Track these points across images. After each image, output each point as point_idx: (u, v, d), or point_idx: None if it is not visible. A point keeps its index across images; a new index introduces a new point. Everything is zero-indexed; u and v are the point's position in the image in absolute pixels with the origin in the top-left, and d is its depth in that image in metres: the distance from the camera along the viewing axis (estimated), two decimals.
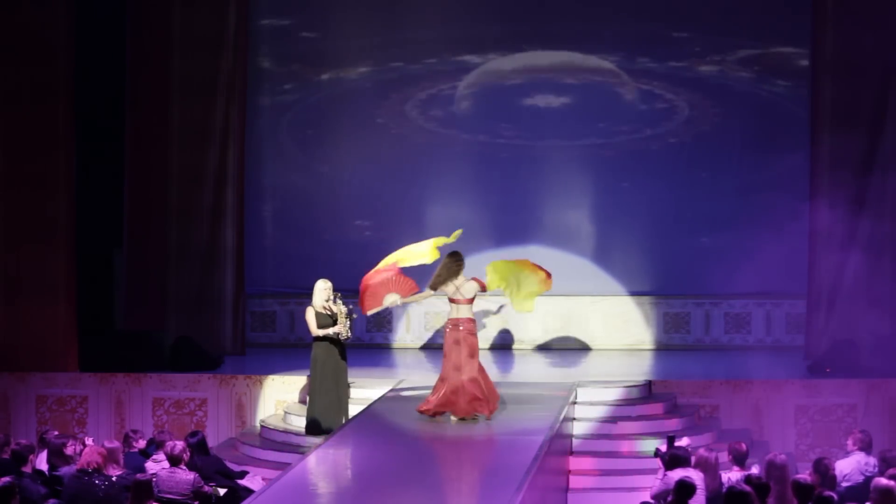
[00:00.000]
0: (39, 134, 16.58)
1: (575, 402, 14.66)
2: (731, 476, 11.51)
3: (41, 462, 12.54)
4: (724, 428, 15.12)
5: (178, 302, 18.43)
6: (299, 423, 14.75)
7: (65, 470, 11.90)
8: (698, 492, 10.80)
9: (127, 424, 15.94)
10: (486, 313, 18.42)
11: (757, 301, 18.98)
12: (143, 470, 12.10)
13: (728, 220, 18.73)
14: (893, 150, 17.27)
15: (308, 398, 14.55)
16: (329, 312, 14.26)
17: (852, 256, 17.11)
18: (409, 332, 19.48)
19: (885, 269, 17.08)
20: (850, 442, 12.69)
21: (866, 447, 12.54)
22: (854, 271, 17.14)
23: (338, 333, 14.25)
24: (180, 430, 15.45)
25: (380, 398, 14.81)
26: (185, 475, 11.77)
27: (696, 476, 11.05)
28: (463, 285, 13.66)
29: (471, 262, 14.42)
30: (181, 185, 18.49)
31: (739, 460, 11.98)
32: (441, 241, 14.24)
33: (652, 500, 11.55)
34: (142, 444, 13.44)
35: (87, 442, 12.57)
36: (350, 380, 14.60)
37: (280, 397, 16.12)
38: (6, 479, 10.56)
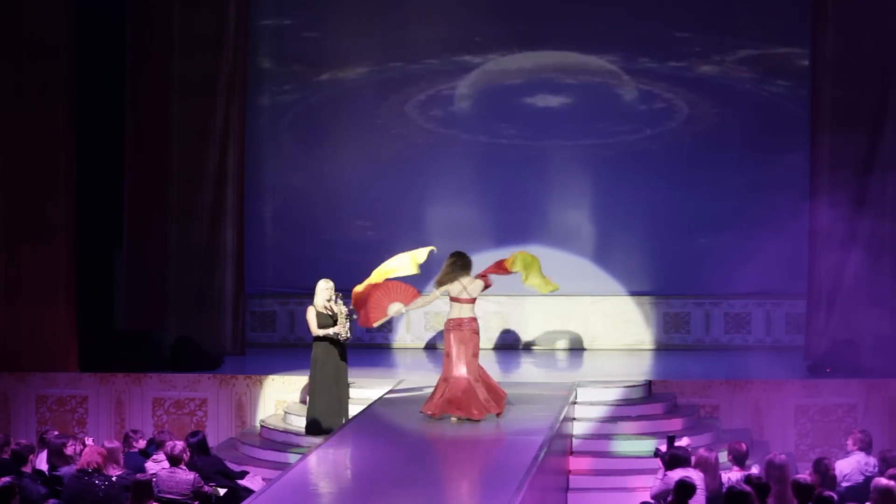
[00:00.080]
0: (39, 134, 16.58)
1: (575, 402, 14.65)
2: (731, 476, 11.51)
3: (41, 462, 12.54)
4: (724, 428, 15.12)
5: (178, 302, 18.43)
6: (299, 423, 14.75)
7: (65, 470, 11.90)
8: (698, 492, 10.80)
9: (127, 424, 15.94)
10: (487, 313, 18.39)
11: (757, 301, 18.99)
12: (143, 470, 12.10)
13: (728, 220, 18.74)
14: (893, 149, 17.27)
15: (308, 398, 14.55)
16: (330, 313, 14.26)
17: (852, 256, 17.11)
18: (409, 332, 19.48)
19: (886, 268, 17.08)
20: (850, 442, 12.69)
21: (866, 447, 12.54)
22: (854, 271, 17.15)
23: (337, 334, 14.25)
24: (180, 430, 15.45)
25: (380, 398, 14.80)
26: (185, 475, 11.77)
27: (696, 476, 11.05)
28: (470, 284, 13.61)
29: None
30: (181, 185, 18.49)
31: (739, 460, 11.99)
32: (420, 253, 14.13)
33: (652, 500, 11.55)
34: (142, 444, 13.44)
35: (87, 442, 12.57)
36: (350, 380, 14.60)
37: (280, 397, 16.12)
38: (6, 479, 10.56)
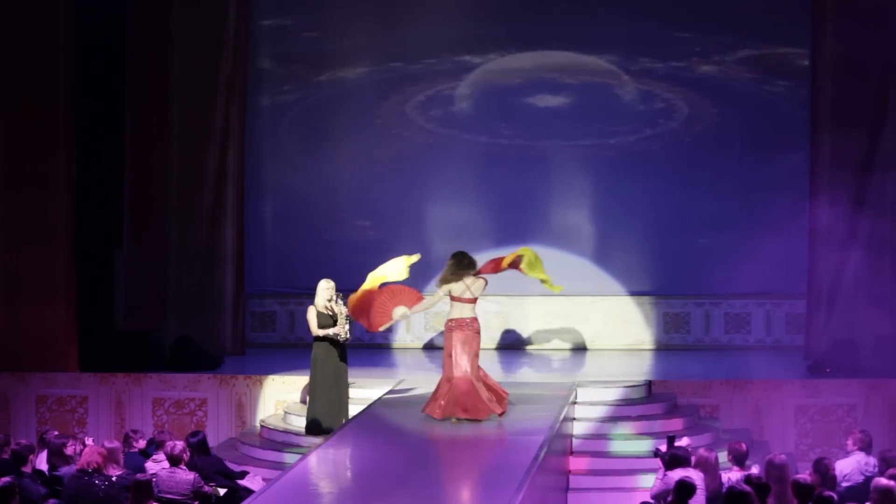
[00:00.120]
0: (39, 134, 16.58)
1: (575, 402, 14.65)
2: (731, 476, 11.51)
3: (41, 462, 12.54)
4: (724, 428, 15.12)
5: (178, 302, 18.43)
6: (299, 423, 14.75)
7: (65, 470, 11.90)
8: (698, 492, 10.80)
9: (127, 424, 15.94)
10: (487, 313, 18.38)
11: (757, 301, 18.99)
12: (143, 470, 12.10)
13: (728, 220, 18.74)
14: (893, 149, 17.28)
15: (308, 398, 14.55)
16: (330, 313, 14.26)
17: (852, 256, 17.11)
18: (409, 332, 19.49)
19: (886, 268, 17.08)
20: (850, 442, 12.69)
21: (866, 447, 12.54)
22: (854, 271, 17.15)
23: (337, 334, 14.24)
24: (180, 430, 15.45)
25: (380, 398, 14.80)
26: (185, 475, 11.77)
27: (696, 476, 11.05)
28: (473, 284, 13.59)
29: None
30: (181, 185, 18.49)
31: (739, 460, 11.98)
32: (410, 260, 14.11)
33: (652, 500, 11.55)
34: (142, 444, 13.44)
35: (87, 442, 12.56)
36: (350, 380, 14.59)
37: (280, 397, 16.12)
38: (6, 479, 10.55)
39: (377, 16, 19.47)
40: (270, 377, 16.29)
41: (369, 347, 18.88)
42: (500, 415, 13.57)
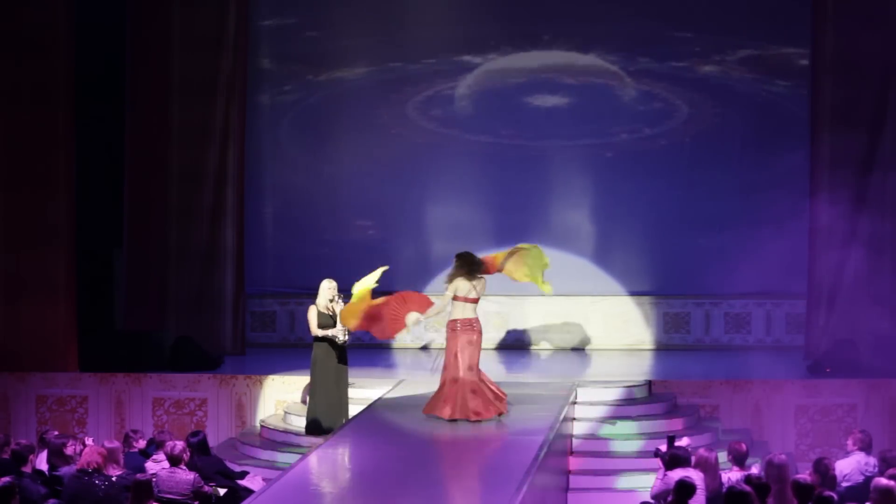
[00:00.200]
0: (39, 134, 16.58)
1: (575, 402, 14.65)
2: (731, 476, 11.51)
3: (41, 462, 12.53)
4: (724, 428, 15.12)
5: (178, 302, 18.43)
6: (299, 423, 14.75)
7: (65, 470, 11.90)
8: (698, 492, 10.80)
9: (127, 424, 15.94)
10: (487, 313, 18.38)
11: (757, 301, 18.99)
12: (143, 470, 12.10)
13: (728, 219, 18.74)
14: (893, 149, 17.28)
15: (308, 398, 14.55)
16: (331, 313, 14.26)
17: (853, 255, 17.11)
18: (409, 332, 19.45)
19: (886, 268, 17.09)
20: (850, 442, 12.69)
21: (866, 447, 12.54)
22: (854, 270, 17.16)
23: (336, 336, 14.22)
24: (180, 430, 15.45)
25: (380, 398, 14.80)
26: (185, 475, 11.77)
27: (696, 476, 11.05)
28: (478, 284, 13.61)
29: None
30: (181, 184, 18.49)
31: (739, 460, 11.98)
32: (379, 272, 14.08)
33: (652, 500, 11.55)
34: (142, 444, 13.44)
35: (87, 442, 12.56)
36: (350, 380, 14.59)
37: (280, 397, 16.12)
38: (6, 479, 10.55)
39: (377, 16, 19.48)
40: (270, 377, 16.29)
41: (369, 347, 18.86)
42: (501, 415, 13.58)
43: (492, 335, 18.94)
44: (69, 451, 12.24)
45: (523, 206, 19.26)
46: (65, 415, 16.40)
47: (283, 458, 14.18)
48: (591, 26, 19.21)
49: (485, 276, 13.63)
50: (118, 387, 16.41)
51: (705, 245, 18.90)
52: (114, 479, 11.29)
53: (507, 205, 19.29)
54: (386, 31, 19.48)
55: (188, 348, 17.26)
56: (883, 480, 10.23)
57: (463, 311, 13.53)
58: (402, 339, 19.39)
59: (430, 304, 13.87)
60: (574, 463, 13.86)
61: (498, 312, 19.03)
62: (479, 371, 13.61)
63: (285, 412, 15.51)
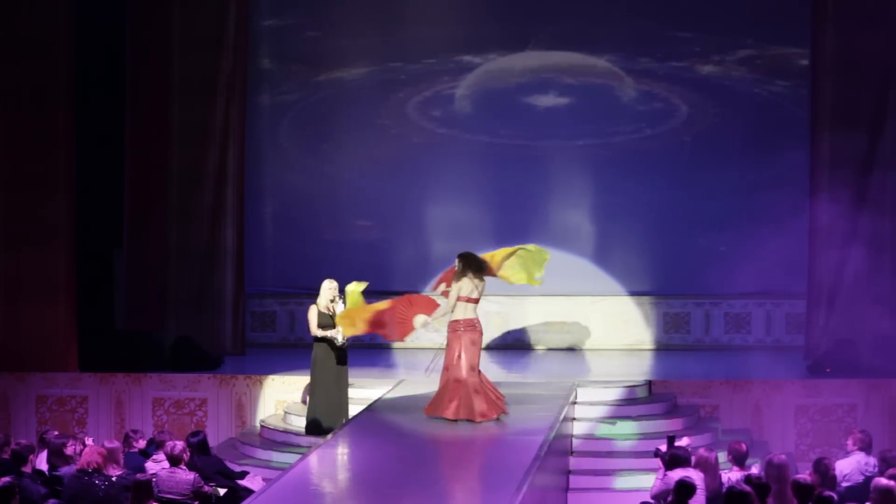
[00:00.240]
0: (39, 134, 16.58)
1: (575, 402, 14.66)
2: (731, 476, 11.51)
3: (41, 462, 12.53)
4: (724, 428, 15.12)
5: (178, 302, 18.43)
6: (299, 423, 14.75)
7: (65, 470, 11.90)
8: (698, 492, 10.80)
9: (127, 424, 15.94)
10: (487, 313, 18.38)
11: (757, 301, 18.99)
12: (143, 470, 12.10)
13: (728, 219, 18.74)
14: (893, 148, 17.28)
15: (308, 398, 14.55)
16: (331, 313, 14.25)
17: (853, 255, 17.11)
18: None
19: (886, 268, 17.09)
20: (850, 442, 12.69)
21: (866, 447, 12.54)
22: (854, 270, 17.15)
23: (334, 337, 14.21)
24: (180, 430, 15.45)
25: (380, 398, 14.80)
26: (185, 475, 11.77)
27: (696, 476, 11.05)
28: (480, 284, 13.62)
29: None
30: (181, 185, 18.49)
31: (739, 460, 11.98)
32: (360, 286, 14.08)
33: (652, 500, 11.55)
34: (142, 444, 13.44)
35: (87, 442, 12.56)
36: (350, 380, 14.59)
37: (280, 397, 16.12)
38: (6, 479, 10.55)
39: (377, 16, 19.48)
40: (270, 377, 16.29)
41: (369, 347, 18.85)
42: (499, 417, 13.59)
43: (492, 335, 18.94)
44: (69, 451, 12.25)
45: (523, 206, 19.26)
46: (65, 415, 16.41)
47: (283, 458, 14.18)
48: (591, 26, 19.21)
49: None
50: (118, 387, 16.41)
51: (705, 245, 18.89)
52: (114, 479, 11.29)
53: (507, 205, 19.29)
54: (386, 31, 19.48)
55: (188, 348, 17.26)
56: (883, 480, 10.23)
57: (465, 312, 13.53)
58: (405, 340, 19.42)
59: (436, 305, 13.84)
60: (574, 463, 13.86)
61: (498, 312, 19.03)
62: (479, 372, 13.62)
63: (285, 412, 15.52)
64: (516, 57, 19.39)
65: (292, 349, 18.90)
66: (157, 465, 12.37)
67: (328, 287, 14.32)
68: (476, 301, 13.57)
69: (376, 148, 19.54)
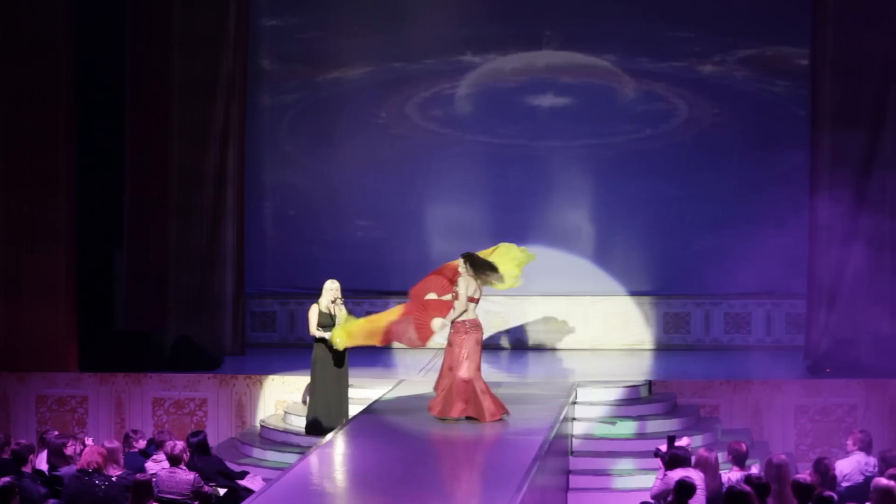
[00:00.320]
0: (39, 133, 16.59)
1: (575, 402, 14.66)
2: (731, 476, 11.51)
3: (41, 462, 12.53)
4: (724, 428, 15.12)
5: (178, 302, 18.43)
6: (299, 423, 14.75)
7: (65, 470, 11.90)
8: (698, 492, 10.80)
9: (127, 424, 15.94)
10: (487, 313, 18.38)
11: (757, 301, 18.98)
12: (143, 470, 12.09)
13: (728, 219, 18.73)
14: (894, 148, 17.28)
15: (308, 398, 14.55)
16: (331, 314, 14.25)
17: (853, 255, 17.10)
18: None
19: (886, 268, 17.08)
20: (850, 442, 12.69)
21: (866, 447, 12.54)
22: (855, 270, 17.15)
23: (333, 341, 14.18)
24: (180, 430, 15.45)
25: (380, 398, 14.80)
26: (185, 475, 11.77)
27: (696, 476, 11.05)
28: (482, 285, 13.67)
29: None
30: (181, 184, 18.50)
31: (739, 460, 11.98)
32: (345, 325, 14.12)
33: (652, 500, 11.55)
34: (142, 444, 13.44)
35: (87, 442, 12.56)
36: (350, 380, 14.58)
37: (280, 397, 16.12)
38: (6, 479, 10.55)
39: (377, 16, 19.48)
40: (270, 377, 16.29)
41: (369, 347, 18.84)
42: (503, 416, 13.62)
43: (492, 335, 18.94)
44: (69, 451, 12.25)
45: (523, 206, 19.26)
46: (65, 415, 16.41)
47: (283, 458, 14.18)
48: (591, 26, 19.21)
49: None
50: (118, 387, 16.41)
51: (705, 245, 18.88)
52: (114, 479, 11.29)
53: (507, 205, 19.29)
54: (386, 31, 19.48)
55: (188, 348, 17.26)
56: (883, 480, 10.23)
57: (472, 312, 13.58)
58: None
59: (449, 306, 13.76)
60: (574, 463, 13.86)
61: (498, 312, 19.02)
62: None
63: (285, 412, 15.51)
64: (516, 57, 19.39)
65: (292, 349, 18.90)
66: (157, 465, 12.37)
67: (329, 287, 14.30)
68: (477, 301, 13.60)
69: (376, 148, 19.54)
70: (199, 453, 12.64)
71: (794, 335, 18.62)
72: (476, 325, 13.58)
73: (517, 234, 18.82)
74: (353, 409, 14.33)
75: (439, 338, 14.02)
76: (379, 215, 19.60)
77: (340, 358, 14.30)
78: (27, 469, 11.85)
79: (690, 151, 19.18)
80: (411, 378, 15.80)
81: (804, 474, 11.18)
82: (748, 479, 10.68)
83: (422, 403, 13.96)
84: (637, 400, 15.05)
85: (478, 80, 19.47)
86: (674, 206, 19.06)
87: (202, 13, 18.47)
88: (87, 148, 17.43)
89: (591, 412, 14.61)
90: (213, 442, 14.72)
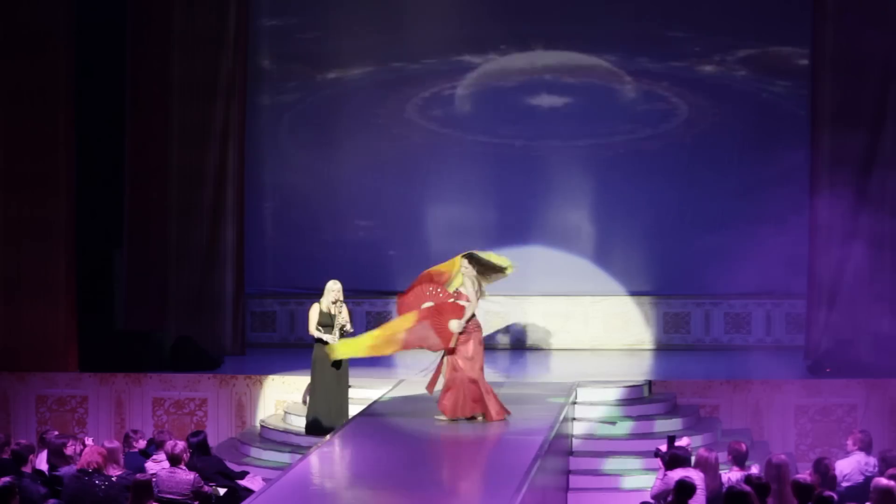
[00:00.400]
0: (39, 133, 16.59)
1: (575, 402, 14.65)
2: (731, 476, 11.51)
3: (41, 462, 12.53)
4: (724, 428, 15.12)
5: (178, 302, 18.43)
6: (299, 423, 14.75)
7: (65, 470, 11.90)
8: (698, 492, 10.79)
9: (127, 424, 15.94)
10: (487, 313, 18.38)
11: (757, 301, 18.98)
12: (143, 470, 12.09)
13: (728, 219, 18.72)
14: (894, 148, 17.27)
15: (308, 398, 14.54)
16: (332, 314, 14.24)
17: (853, 255, 17.10)
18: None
19: (886, 268, 17.08)
20: (850, 442, 12.69)
21: (866, 447, 12.54)
22: (855, 270, 17.14)
23: (328, 341, 14.17)
24: (180, 430, 15.45)
25: (380, 398, 14.80)
26: (185, 475, 11.77)
27: (696, 476, 11.05)
28: (482, 285, 13.70)
29: None
30: (181, 184, 18.50)
31: (739, 460, 11.98)
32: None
33: (652, 500, 11.55)
34: (142, 444, 13.44)
35: (87, 442, 12.56)
36: (350, 380, 14.58)
37: (280, 397, 16.12)
38: (6, 479, 10.55)
39: (377, 16, 19.47)
40: (270, 377, 16.29)
41: None
42: (505, 416, 13.65)
43: (492, 335, 18.94)
44: (69, 451, 12.24)
45: (523, 206, 19.26)
46: (65, 415, 16.41)
47: (283, 458, 14.18)
48: (591, 26, 19.20)
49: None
50: (118, 387, 16.41)
51: (705, 245, 18.87)
52: (114, 479, 11.29)
53: (507, 205, 19.29)
54: (386, 31, 19.48)
55: (188, 348, 17.26)
56: (883, 480, 10.23)
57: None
58: None
59: (461, 308, 13.73)
60: (574, 463, 13.86)
61: (498, 312, 19.02)
62: None
63: (285, 412, 15.51)
64: (516, 57, 19.38)
65: (292, 349, 18.89)
66: (157, 465, 12.37)
67: (330, 288, 14.30)
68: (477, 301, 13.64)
69: (376, 148, 19.54)
70: (199, 453, 12.64)
71: (794, 335, 18.61)
72: (478, 326, 13.64)
73: (517, 234, 18.89)
74: (353, 409, 14.32)
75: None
76: (379, 215, 19.60)
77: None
78: (27, 469, 11.85)
79: (690, 151, 19.18)
80: (411, 378, 15.78)
81: (804, 474, 11.18)
82: (748, 479, 10.68)
83: (422, 404, 13.96)
84: (637, 400, 15.05)
85: (478, 80, 19.47)
86: (674, 206, 19.06)
87: (202, 13, 18.47)
88: (87, 148, 17.43)
89: (591, 412, 14.61)
90: (213, 442, 14.72)
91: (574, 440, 14.20)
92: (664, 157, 19.17)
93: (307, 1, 19.75)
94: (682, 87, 19.19)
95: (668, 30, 19.11)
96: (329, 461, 12.39)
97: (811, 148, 17.63)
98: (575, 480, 13.65)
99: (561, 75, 19.32)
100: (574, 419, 14.42)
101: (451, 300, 13.67)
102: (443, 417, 13.53)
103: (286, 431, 14.92)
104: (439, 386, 13.81)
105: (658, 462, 11.81)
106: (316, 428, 14.16)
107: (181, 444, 12.04)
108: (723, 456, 12.29)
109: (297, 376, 15.92)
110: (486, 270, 13.66)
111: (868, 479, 11.56)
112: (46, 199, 16.61)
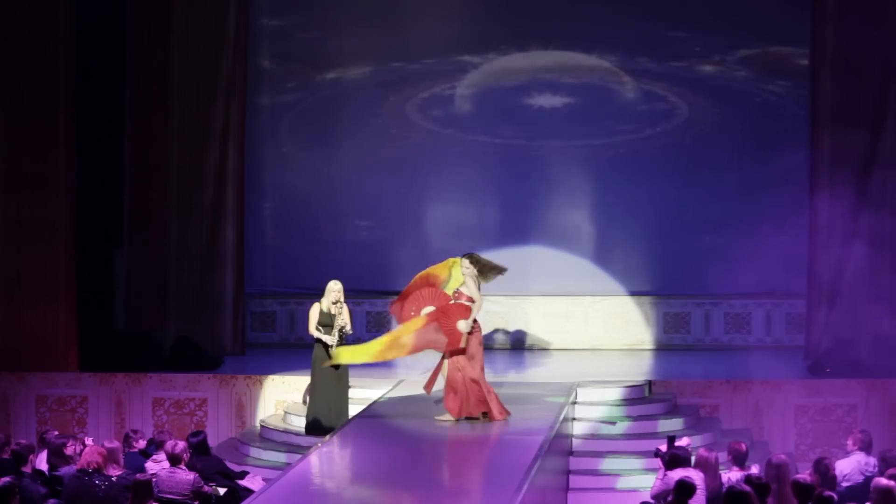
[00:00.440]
0: (39, 134, 16.59)
1: (575, 402, 14.65)
2: (731, 476, 11.51)
3: (41, 462, 12.53)
4: (724, 428, 15.12)
5: (178, 302, 18.42)
6: (299, 423, 14.75)
7: (65, 470, 11.90)
8: (698, 492, 10.79)
9: (127, 424, 15.94)
10: (487, 313, 18.38)
11: (757, 301, 18.98)
12: (143, 470, 12.09)
13: (728, 219, 18.73)
14: (894, 147, 17.27)
15: (308, 398, 14.54)
16: (332, 313, 14.24)
17: (853, 254, 17.10)
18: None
19: (886, 267, 17.08)
20: (850, 442, 12.69)
21: (866, 447, 12.54)
22: (855, 270, 17.14)
23: (327, 342, 14.16)
24: (180, 430, 15.45)
25: (380, 398, 14.80)
26: (185, 475, 11.77)
27: (696, 476, 11.05)
28: (483, 284, 13.73)
29: None
30: (181, 184, 18.49)
31: (739, 460, 11.98)
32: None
33: (652, 500, 11.55)
34: (142, 444, 13.44)
35: (87, 442, 12.56)
36: (350, 380, 14.58)
37: (280, 397, 16.12)
38: (6, 479, 10.55)
39: (377, 16, 19.47)
40: (270, 377, 16.29)
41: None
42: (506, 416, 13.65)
43: (492, 335, 18.94)
44: (69, 451, 12.24)
45: (523, 206, 19.26)
46: (65, 415, 16.41)
47: (283, 458, 14.18)
48: (591, 26, 19.20)
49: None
50: (118, 387, 16.41)
51: (705, 245, 18.88)
52: (114, 479, 11.29)
53: (507, 205, 19.29)
54: (386, 32, 19.47)
55: (188, 348, 17.26)
56: (883, 480, 10.23)
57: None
58: None
59: (467, 308, 13.72)
60: (574, 463, 13.86)
61: (498, 312, 19.03)
62: None
63: (285, 412, 15.51)
64: (516, 57, 19.38)
65: (292, 349, 18.89)
66: (157, 465, 12.37)
67: (331, 288, 14.30)
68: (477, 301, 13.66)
69: (376, 148, 19.54)
70: (199, 453, 12.64)
71: (794, 335, 18.61)
72: (478, 326, 13.63)
73: (517, 234, 18.89)
74: (353, 409, 14.32)
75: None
76: (379, 215, 19.60)
77: None
78: (27, 469, 11.86)
79: (690, 151, 19.17)
80: (411, 378, 15.78)
81: (804, 474, 11.18)
82: (748, 479, 10.68)
83: (422, 404, 13.96)
84: (637, 400, 15.05)
85: (478, 80, 19.47)
86: (674, 206, 19.06)
87: (202, 13, 18.47)
88: (87, 148, 17.43)
89: (591, 412, 14.60)
90: (213, 442, 14.72)
91: (574, 440, 14.20)
92: (664, 157, 19.17)
93: (307, 1, 19.75)
94: (681, 87, 19.19)
95: (668, 30, 19.11)
96: (329, 461, 12.39)
97: (811, 148, 17.63)
98: (575, 480, 13.65)
99: (561, 75, 19.32)
100: (574, 419, 14.42)
101: (452, 301, 13.68)
102: (447, 418, 13.52)
103: (286, 431, 14.92)
104: (437, 386, 13.81)
105: (658, 462, 11.81)
106: (316, 428, 14.16)
107: (181, 444, 12.05)
108: (723, 456, 12.30)
109: (297, 376, 15.92)
110: (486, 270, 13.68)
111: (868, 479, 11.56)
112: (46, 199, 16.61)
